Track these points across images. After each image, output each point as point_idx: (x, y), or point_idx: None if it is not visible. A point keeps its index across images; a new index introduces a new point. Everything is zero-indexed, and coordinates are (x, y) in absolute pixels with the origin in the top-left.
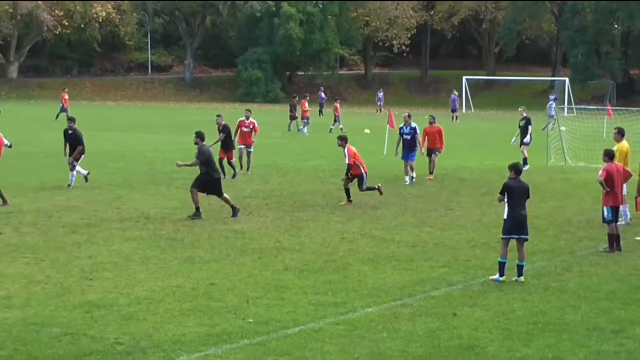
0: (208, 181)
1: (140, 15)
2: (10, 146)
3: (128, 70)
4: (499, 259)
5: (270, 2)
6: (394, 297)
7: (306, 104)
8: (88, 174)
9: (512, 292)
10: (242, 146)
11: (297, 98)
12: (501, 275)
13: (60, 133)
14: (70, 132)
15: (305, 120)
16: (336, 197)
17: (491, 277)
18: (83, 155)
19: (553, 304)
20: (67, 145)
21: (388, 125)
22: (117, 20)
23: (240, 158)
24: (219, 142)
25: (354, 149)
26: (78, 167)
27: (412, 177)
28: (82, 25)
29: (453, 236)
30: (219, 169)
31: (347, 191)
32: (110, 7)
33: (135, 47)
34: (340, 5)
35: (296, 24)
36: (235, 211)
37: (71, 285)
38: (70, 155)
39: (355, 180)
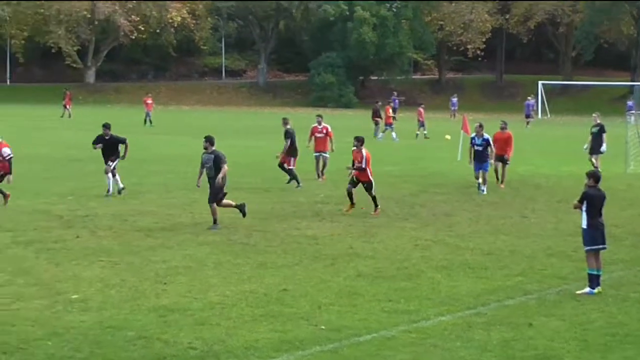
0: (221, 188)
1: (214, 20)
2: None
3: (202, 75)
4: (588, 271)
5: (343, 6)
6: (468, 305)
7: (390, 110)
8: (124, 188)
9: (589, 302)
10: (318, 153)
11: (380, 103)
12: (593, 287)
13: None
14: (106, 138)
15: (388, 127)
16: (409, 204)
17: (580, 291)
18: (117, 160)
19: (632, 315)
20: (105, 152)
21: (462, 131)
22: (192, 25)
23: (316, 165)
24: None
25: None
26: (117, 176)
27: (484, 189)
28: (158, 30)
29: (528, 244)
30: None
31: (350, 195)
32: (185, 12)
33: (209, 51)
34: (414, 9)
35: (370, 28)
36: (243, 210)
37: (146, 289)
38: (108, 160)
39: (361, 185)
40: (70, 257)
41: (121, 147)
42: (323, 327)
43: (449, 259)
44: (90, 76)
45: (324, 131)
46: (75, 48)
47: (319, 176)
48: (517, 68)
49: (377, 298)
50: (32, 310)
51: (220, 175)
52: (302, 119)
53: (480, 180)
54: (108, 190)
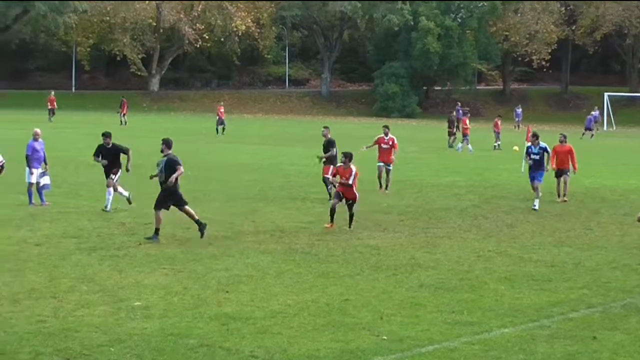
0: (171, 192)
1: (279, 29)
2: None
3: (266, 84)
4: None
5: (407, 16)
6: (531, 317)
7: (467, 121)
8: (130, 195)
9: None
10: (382, 164)
11: (454, 114)
12: None
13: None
14: (108, 147)
15: (466, 138)
16: (472, 215)
17: None
18: (120, 172)
19: None
20: (104, 161)
21: (526, 142)
22: (256, 34)
23: (379, 176)
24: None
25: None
26: (120, 188)
27: (536, 204)
28: (222, 39)
29: (593, 257)
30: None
31: (333, 212)
32: (250, 21)
33: (273, 60)
34: (479, 20)
35: (434, 38)
36: (201, 228)
37: (208, 297)
38: (110, 172)
39: (344, 201)
40: (133, 264)
41: (123, 158)
42: (385, 337)
43: (512, 270)
44: (155, 84)
45: (390, 142)
46: (140, 56)
47: (381, 186)
48: (583, 79)
49: (440, 309)
50: (96, 317)
51: (173, 176)
52: (365, 128)
53: (538, 191)
54: (106, 207)
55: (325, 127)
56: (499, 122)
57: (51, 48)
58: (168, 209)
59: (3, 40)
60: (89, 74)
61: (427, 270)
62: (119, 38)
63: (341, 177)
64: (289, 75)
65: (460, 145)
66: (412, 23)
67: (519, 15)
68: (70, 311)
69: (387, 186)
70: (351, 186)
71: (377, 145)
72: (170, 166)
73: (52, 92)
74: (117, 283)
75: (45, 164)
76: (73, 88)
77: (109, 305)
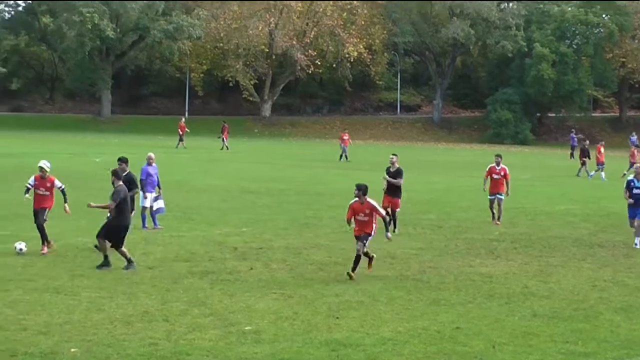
0: (114, 228)
1: (391, 56)
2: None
3: (377, 110)
4: None
5: (521, 42)
6: None
7: (602, 149)
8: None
9: None
10: (493, 196)
11: (587, 142)
12: None
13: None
14: (124, 174)
15: (600, 166)
16: (588, 243)
17: None
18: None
19: None
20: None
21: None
22: (368, 60)
23: (490, 206)
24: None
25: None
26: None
27: (637, 242)
28: (334, 65)
29: None
30: (130, 217)
31: (366, 254)
32: (362, 47)
33: (385, 86)
34: (595, 46)
35: (548, 64)
36: (129, 264)
37: (318, 322)
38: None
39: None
40: (244, 289)
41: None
42: None
43: (629, 301)
44: (266, 110)
45: (502, 173)
46: (252, 82)
47: (493, 217)
48: None
49: (554, 339)
50: (207, 341)
51: (96, 205)
52: (478, 155)
53: (635, 226)
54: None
55: (394, 155)
56: (636, 152)
57: (165, 74)
58: (119, 246)
59: (119, 66)
60: (202, 100)
61: (541, 299)
62: (231, 64)
63: (356, 215)
64: (400, 101)
65: (593, 172)
66: (526, 49)
67: (637, 41)
68: (182, 334)
69: (499, 217)
70: (369, 222)
71: (489, 177)
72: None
73: (183, 119)
74: (228, 307)
75: (159, 188)
76: (186, 113)
77: (220, 329)
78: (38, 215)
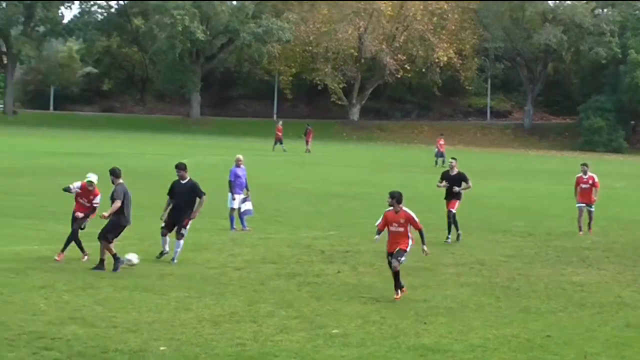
0: (113, 225)
1: (481, 61)
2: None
3: (466, 115)
4: None
5: (615, 49)
6: None
7: None
8: (166, 253)
9: None
10: (582, 204)
11: None
12: None
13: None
14: (182, 182)
15: None
16: None
17: None
18: (190, 221)
19: None
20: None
21: None
22: (458, 65)
23: (578, 218)
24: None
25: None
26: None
27: None
28: (424, 70)
29: None
30: (129, 217)
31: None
32: (452, 52)
33: (474, 92)
34: None
35: None
36: (116, 263)
37: (406, 327)
38: (181, 215)
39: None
40: (331, 292)
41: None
42: None
43: None
44: (355, 114)
45: (590, 181)
46: (341, 85)
47: (580, 229)
48: None
49: None
50: (294, 343)
51: (107, 214)
52: (569, 162)
53: None
54: (162, 252)
55: (453, 159)
56: None
57: (254, 77)
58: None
59: (209, 68)
60: (291, 103)
61: (635, 310)
62: (320, 67)
63: (389, 226)
64: (490, 107)
65: None
66: (620, 56)
67: None
68: (269, 336)
69: (589, 226)
70: (404, 233)
71: (578, 187)
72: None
73: (280, 122)
74: (315, 310)
75: (247, 190)
76: (274, 116)
77: (306, 332)
78: (76, 220)
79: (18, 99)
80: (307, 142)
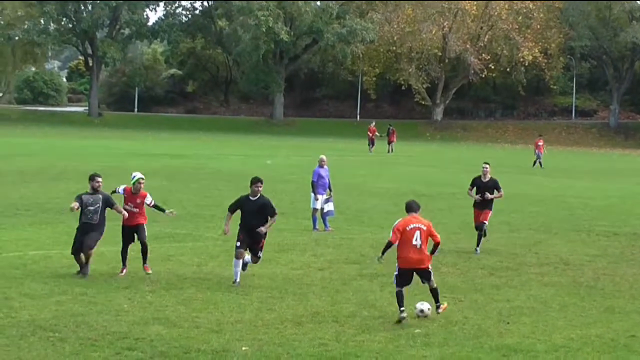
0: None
1: (567, 60)
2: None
3: (551, 114)
4: None
5: None
6: None
7: None
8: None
9: None
10: None
11: None
12: None
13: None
14: (252, 198)
15: None
16: None
17: None
18: (263, 240)
19: None
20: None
21: None
22: (544, 64)
23: None
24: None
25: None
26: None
27: None
28: (508, 69)
29: None
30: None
31: (401, 298)
32: (537, 51)
33: (560, 91)
34: None
35: None
36: (83, 270)
37: (489, 327)
38: (254, 236)
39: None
40: (413, 292)
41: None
42: None
43: None
44: (438, 113)
45: None
46: (425, 85)
47: None
48: None
49: None
50: (376, 343)
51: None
52: None
53: None
54: (235, 281)
55: (486, 164)
56: None
57: (338, 77)
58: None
59: (293, 69)
60: (374, 103)
61: None
62: (404, 67)
63: (401, 236)
64: (575, 106)
65: None
66: None
67: None
68: (351, 336)
69: None
70: (422, 250)
71: None
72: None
73: (373, 122)
74: (397, 310)
75: (330, 190)
76: (358, 117)
77: (389, 332)
78: (127, 234)
79: (103, 100)
80: (389, 142)
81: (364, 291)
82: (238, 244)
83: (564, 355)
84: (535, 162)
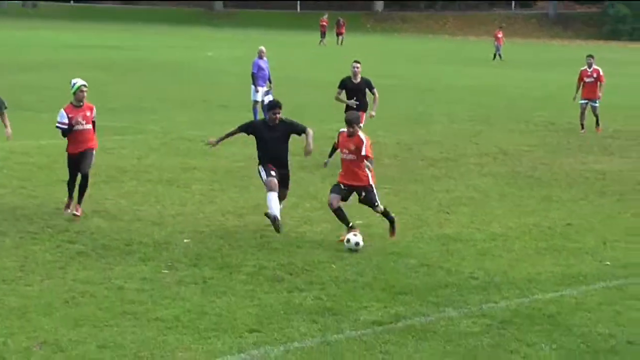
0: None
1: None
2: None
3: (491, 5)
4: None
5: None
6: None
7: None
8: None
9: None
10: (584, 101)
11: None
12: None
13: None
14: (271, 124)
15: None
16: None
17: None
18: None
19: None
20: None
21: None
22: None
23: (581, 115)
24: None
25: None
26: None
27: None
28: None
29: None
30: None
31: (341, 213)
32: None
33: None
34: None
35: None
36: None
37: (428, 217)
38: (283, 168)
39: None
40: None
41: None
42: (608, 263)
43: None
44: (379, 5)
45: (594, 75)
46: None
47: (582, 127)
48: None
49: None
50: (318, 234)
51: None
52: (593, 51)
53: None
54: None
55: (356, 62)
56: None
57: None
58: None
59: None
60: None
61: None
62: None
63: (342, 151)
64: None
65: None
66: None
67: None
68: (293, 227)
69: (597, 123)
70: (358, 165)
71: (581, 82)
72: None
73: (326, 15)
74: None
75: (270, 82)
76: (298, 8)
77: (330, 223)
78: (80, 162)
79: None
80: (338, 34)
81: (305, 183)
82: (268, 173)
83: (502, 243)
84: (495, 55)
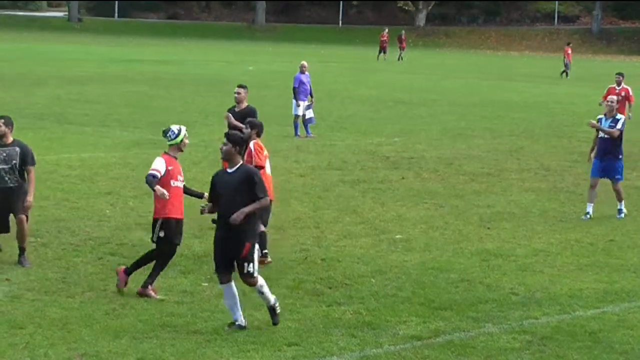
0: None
1: None
2: None
3: (534, 21)
4: None
5: None
6: None
7: None
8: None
9: None
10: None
11: None
12: None
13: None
14: (229, 170)
15: None
16: None
17: None
18: None
19: None
20: None
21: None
22: None
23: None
24: None
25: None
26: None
27: None
28: None
29: None
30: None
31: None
32: None
33: None
34: None
35: None
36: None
37: (469, 232)
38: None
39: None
40: (395, 198)
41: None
42: None
43: None
44: (421, 19)
45: (622, 93)
46: None
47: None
48: None
49: None
50: (358, 248)
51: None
52: (637, 67)
53: None
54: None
55: (240, 87)
56: None
57: None
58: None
59: None
60: (356, 9)
61: None
62: None
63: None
64: (558, 11)
65: None
66: None
67: None
68: (332, 241)
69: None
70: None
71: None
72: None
73: (386, 30)
74: (379, 216)
75: (312, 96)
76: (340, 22)
77: (370, 237)
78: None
79: (83, 5)
80: (401, 48)
81: (345, 197)
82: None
83: (544, 259)
84: (563, 72)
